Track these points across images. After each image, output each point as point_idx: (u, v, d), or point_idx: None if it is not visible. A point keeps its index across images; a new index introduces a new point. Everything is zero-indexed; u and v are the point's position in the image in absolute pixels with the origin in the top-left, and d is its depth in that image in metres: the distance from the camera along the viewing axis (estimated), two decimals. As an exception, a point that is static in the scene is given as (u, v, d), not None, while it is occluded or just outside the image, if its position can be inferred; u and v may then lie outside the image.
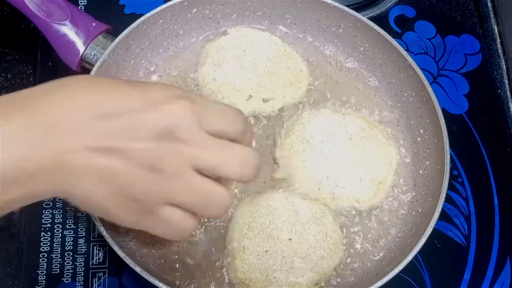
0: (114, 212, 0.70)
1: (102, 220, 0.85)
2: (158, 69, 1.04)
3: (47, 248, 0.97)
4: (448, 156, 0.93)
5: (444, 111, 1.02)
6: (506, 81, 1.18)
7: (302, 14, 1.07)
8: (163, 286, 0.82)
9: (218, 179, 0.73)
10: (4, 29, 1.17)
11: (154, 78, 1.04)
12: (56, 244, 0.97)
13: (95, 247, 0.98)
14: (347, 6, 1.04)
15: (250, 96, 1.01)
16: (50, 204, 0.99)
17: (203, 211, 0.73)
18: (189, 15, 1.04)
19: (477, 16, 1.23)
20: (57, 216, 0.99)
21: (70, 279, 0.95)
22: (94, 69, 0.94)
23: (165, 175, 0.67)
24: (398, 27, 1.20)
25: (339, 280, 0.92)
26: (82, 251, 0.97)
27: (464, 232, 1.03)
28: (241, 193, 0.96)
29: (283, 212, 0.92)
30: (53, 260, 0.96)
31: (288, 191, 0.97)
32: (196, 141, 0.68)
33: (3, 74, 1.13)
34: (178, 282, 0.90)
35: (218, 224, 0.94)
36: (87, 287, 0.95)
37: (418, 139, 1.01)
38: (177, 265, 0.91)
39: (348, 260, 0.93)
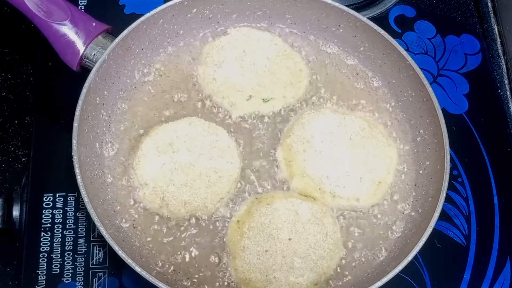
0: None
1: (102, 220, 0.86)
2: (158, 69, 1.04)
3: (47, 248, 0.97)
4: (448, 156, 0.93)
5: (444, 111, 1.02)
6: (506, 81, 1.18)
7: (302, 14, 1.07)
8: (163, 286, 0.82)
9: None
10: (4, 29, 1.18)
11: (154, 78, 1.04)
12: (56, 244, 0.97)
13: (95, 247, 0.98)
14: (347, 6, 1.04)
15: (250, 96, 1.01)
16: (50, 204, 1.00)
17: None
18: (189, 15, 1.04)
19: (477, 16, 1.23)
20: (57, 216, 0.99)
21: (70, 279, 0.95)
22: (94, 69, 0.94)
23: None
24: (398, 27, 1.20)
25: (339, 280, 0.92)
26: (82, 251, 0.97)
27: (464, 232, 1.03)
28: (241, 193, 0.96)
29: (283, 212, 0.92)
30: (53, 260, 0.96)
31: (288, 191, 0.97)
32: None
33: (3, 74, 1.13)
34: (178, 282, 0.90)
35: (218, 223, 0.94)
36: (87, 287, 0.95)
37: (418, 139, 1.01)
38: (177, 265, 0.91)
39: (348, 260, 0.93)
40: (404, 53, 1.00)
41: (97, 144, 0.97)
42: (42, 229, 0.98)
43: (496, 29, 1.23)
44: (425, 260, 1.00)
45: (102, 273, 0.96)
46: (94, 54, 0.96)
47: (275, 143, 1.00)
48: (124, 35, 0.97)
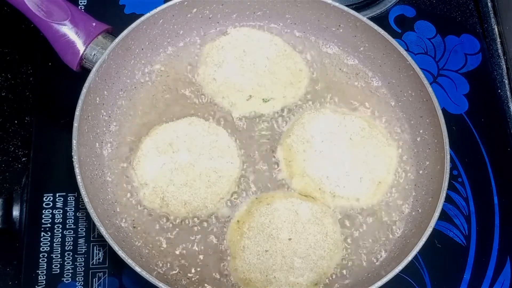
0: None
1: (102, 220, 0.86)
2: (158, 69, 1.04)
3: (47, 248, 0.97)
4: (448, 156, 0.93)
5: (444, 111, 1.02)
6: (506, 81, 1.18)
7: (302, 14, 1.07)
8: (163, 286, 0.82)
9: None
10: (4, 29, 1.18)
11: (154, 78, 1.04)
12: (56, 244, 0.97)
13: (95, 247, 0.98)
14: (347, 6, 1.04)
15: (250, 96, 1.01)
16: (50, 204, 1.00)
17: None
18: (189, 15, 1.04)
19: (477, 16, 1.23)
20: (57, 216, 0.99)
21: (70, 279, 0.95)
22: (94, 69, 0.94)
23: None
24: (398, 27, 1.20)
25: (339, 280, 0.92)
26: (82, 251, 0.97)
27: (464, 232, 1.03)
28: (241, 193, 0.96)
29: (283, 212, 0.92)
30: (53, 260, 0.96)
31: (288, 191, 0.97)
32: None
33: (3, 74, 1.13)
34: (178, 282, 0.90)
35: (218, 223, 0.94)
36: (87, 287, 0.95)
37: (418, 139, 1.01)
38: (177, 265, 0.91)
39: (348, 260, 0.93)
40: (404, 53, 1.00)
41: (97, 144, 0.97)
42: (42, 229, 0.98)
43: (496, 29, 1.23)
44: (425, 260, 1.00)
45: (102, 273, 0.96)
46: (94, 54, 0.96)
47: (275, 143, 1.00)
48: (124, 35, 0.97)
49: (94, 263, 0.96)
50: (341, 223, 0.95)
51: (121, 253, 0.83)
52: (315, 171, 0.95)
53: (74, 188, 0.92)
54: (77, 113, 0.91)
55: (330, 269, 0.91)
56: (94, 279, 0.95)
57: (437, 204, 0.90)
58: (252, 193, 0.96)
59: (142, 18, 0.99)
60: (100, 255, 0.97)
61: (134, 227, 0.93)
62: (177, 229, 0.93)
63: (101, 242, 0.98)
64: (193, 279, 0.91)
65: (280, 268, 0.89)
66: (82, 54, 0.96)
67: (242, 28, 1.07)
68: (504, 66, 1.19)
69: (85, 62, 0.97)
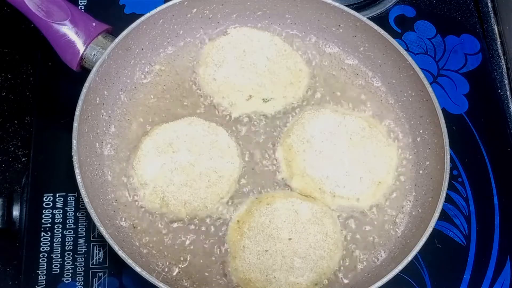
0: None
1: (102, 220, 0.86)
2: (158, 69, 1.04)
3: (47, 248, 0.97)
4: (448, 156, 0.93)
5: (444, 111, 1.02)
6: (506, 81, 1.18)
7: (302, 14, 1.07)
8: (163, 286, 0.82)
9: None
10: (4, 29, 1.18)
11: (154, 78, 1.04)
12: (56, 244, 0.97)
13: (95, 247, 0.98)
14: (347, 6, 1.04)
15: (250, 96, 1.01)
16: (50, 204, 1.00)
17: None
18: (189, 15, 1.04)
19: (477, 16, 1.23)
20: (57, 216, 0.99)
21: (70, 279, 0.95)
22: (94, 69, 0.94)
23: None
24: (398, 27, 1.20)
25: (339, 280, 0.92)
26: (82, 251, 0.97)
27: (464, 232, 1.03)
28: (241, 193, 0.96)
29: (283, 212, 0.92)
30: (53, 260, 0.96)
31: (288, 191, 0.97)
32: None
33: (3, 74, 1.13)
34: (178, 282, 0.90)
35: (218, 223, 0.94)
36: (87, 287, 0.95)
37: (418, 139, 1.01)
38: (177, 265, 0.91)
39: (348, 260, 0.93)
40: (404, 53, 1.00)
41: (97, 144, 0.97)
42: (42, 229, 0.98)
43: (496, 29, 1.23)
44: (425, 260, 1.00)
45: (102, 273, 0.96)
46: (94, 54, 0.96)
47: (275, 143, 1.00)
48: (124, 35, 0.97)
49: (94, 263, 0.96)
50: (341, 223, 0.95)
51: (121, 253, 0.83)
52: (315, 171, 0.95)
53: (74, 188, 0.92)
54: (77, 113, 0.91)
55: (330, 269, 0.91)
56: (94, 279, 0.95)
57: (437, 204, 0.90)
58: (252, 193, 0.96)
59: (142, 18, 0.99)
60: (100, 255, 0.97)
61: (134, 227, 0.93)
62: (177, 229, 0.93)
63: (101, 242, 0.97)
64: (193, 279, 0.91)
65: (280, 268, 0.89)
66: (82, 54, 0.96)
67: (242, 28, 1.07)
68: (504, 66, 1.19)
69: (85, 62, 0.97)
